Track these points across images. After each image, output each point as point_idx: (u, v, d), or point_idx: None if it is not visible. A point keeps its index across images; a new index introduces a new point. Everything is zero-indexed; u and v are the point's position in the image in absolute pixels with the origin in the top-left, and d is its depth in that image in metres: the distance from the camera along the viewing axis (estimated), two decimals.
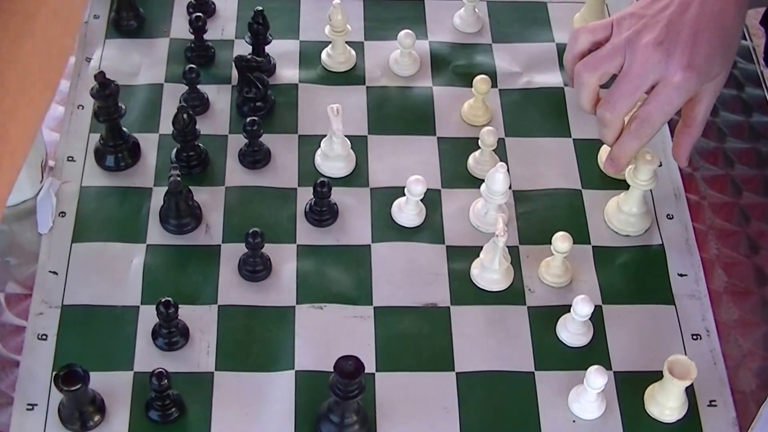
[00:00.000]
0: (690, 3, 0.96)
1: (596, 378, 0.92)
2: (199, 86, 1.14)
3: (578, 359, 0.98)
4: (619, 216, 1.08)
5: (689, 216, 1.10)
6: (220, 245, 1.04)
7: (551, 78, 1.21)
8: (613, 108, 0.98)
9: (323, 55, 1.21)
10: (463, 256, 1.05)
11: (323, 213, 1.06)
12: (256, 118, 1.08)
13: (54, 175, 1.08)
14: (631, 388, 0.97)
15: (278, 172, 1.11)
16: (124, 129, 1.10)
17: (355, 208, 1.08)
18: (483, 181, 1.05)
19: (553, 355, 0.99)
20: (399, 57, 1.20)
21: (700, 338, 1.01)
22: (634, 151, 1.01)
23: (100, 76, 1.04)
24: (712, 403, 0.97)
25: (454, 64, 1.22)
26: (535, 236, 1.07)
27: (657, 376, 0.95)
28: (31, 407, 0.93)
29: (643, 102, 0.98)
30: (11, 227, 1.05)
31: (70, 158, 1.10)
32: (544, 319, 1.01)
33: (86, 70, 1.18)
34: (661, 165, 1.14)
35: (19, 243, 1.05)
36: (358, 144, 1.13)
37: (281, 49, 1.21)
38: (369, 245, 1.06)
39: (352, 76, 1.20)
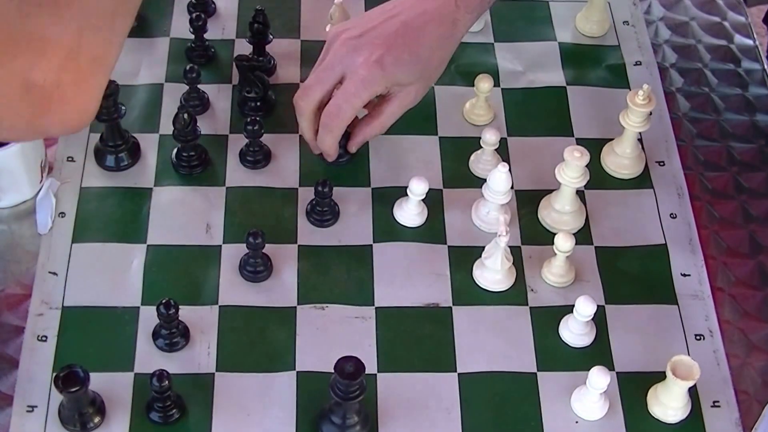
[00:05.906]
0: (396, 15, 1.03)
1: (599, 378, 0.91)
2: (199, 86, 1.14)
3: (581, 359, 0.98)
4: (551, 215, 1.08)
5: (693, 215, 1.09)
6: (220, 245, 1.04)
7: (553, 77, 1.21)
8: (306, 96, 1.05)
9: None
10: (465, 256, 1.04)
11: (324, 213, 1.06)
12: (256, 118, 1.08)
13: (54, 175, 1.08)
14: (634, 388, 0.96)
15: (279, 172, 1.10)
16: (124, 129, 1.09)
17: (356, 208, 1.08)
18: (485, 180, 1.05)
19: (556, 355, 0.98)
20: None
21: (703, 338, 1.00)
22: (330, 142, 1.05)
23: None
24: (716, 403, 0.96)
25: (456, 63, 1.21)
26: (537, 236, 1.07)
27: (660, 376, 0.94)
28: (31, 409, 0.92)
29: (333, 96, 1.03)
30: (11, 227, 1.05)
31: (69, 158, 1.10)
32: (547, 319, 1.01)
33: None
34: (663, 164, 1.14)
35: (19, 243, 1.04)
36: None
37: (282, 49, 1.21)
38: (370, 245, 1.05)
39: None
